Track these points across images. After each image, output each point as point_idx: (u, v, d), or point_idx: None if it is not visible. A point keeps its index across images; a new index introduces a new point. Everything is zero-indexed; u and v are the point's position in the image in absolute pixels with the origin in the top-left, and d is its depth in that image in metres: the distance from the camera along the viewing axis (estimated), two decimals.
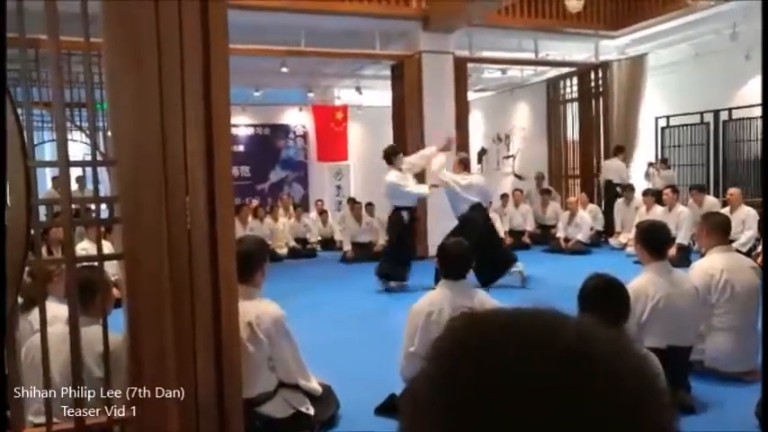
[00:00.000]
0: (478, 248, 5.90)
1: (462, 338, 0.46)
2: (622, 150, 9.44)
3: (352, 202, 10.41)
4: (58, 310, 2.53)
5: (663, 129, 10.14)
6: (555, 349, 0.42)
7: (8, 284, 1.81)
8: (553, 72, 11.11)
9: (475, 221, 6.17)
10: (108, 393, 1.88)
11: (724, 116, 9.06)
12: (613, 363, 0.42)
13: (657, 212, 7.70)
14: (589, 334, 0.44)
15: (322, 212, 10.54)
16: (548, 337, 0.43)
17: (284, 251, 9.38)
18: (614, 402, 0.41)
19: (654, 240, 3.22)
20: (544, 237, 9.60)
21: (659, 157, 9.92)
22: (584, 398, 0.40)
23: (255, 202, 10.57)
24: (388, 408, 3.23)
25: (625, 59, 9.84)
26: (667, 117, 9.98)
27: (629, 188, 9.28)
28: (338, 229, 10.10)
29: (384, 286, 6.49)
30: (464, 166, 6.51)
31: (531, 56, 9.74)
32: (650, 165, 9.51)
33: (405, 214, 6.55)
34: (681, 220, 7.39)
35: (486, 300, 3.12)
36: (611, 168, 9.47)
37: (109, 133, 2.21)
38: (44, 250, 5.23)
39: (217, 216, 1.91)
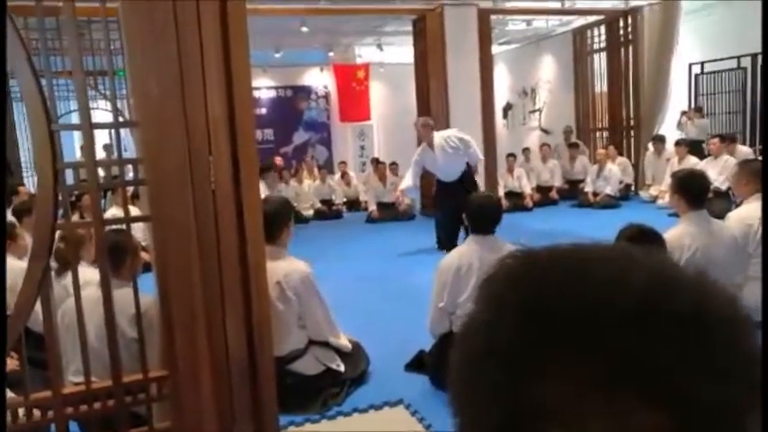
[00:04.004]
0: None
1: (520, 275, 0.42)
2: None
3: (375, 162, 10.35)
4: (89, 275, 2.58)
5: (697, 76, 9.76)
6: (630, 281, 0.38)
7: (40, 247, 1.83)
8: (580, 21, 10.71)
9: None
10: (142, 352, 1.92)
11: (762, 60, 8.66)
12: (707, 288, 0.39)
13: (691, 163, 7.49)
14: (663, 263, 0.40)
15: (344, 174, 10.50)
16: (621, 267, 0.39)
17: (310, 213, 9.42)
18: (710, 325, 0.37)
19: (692, 189, 3.11)
20: (572, 192, 9.44)
21: (692, 105, 9.58)
22: (668, 327, 0.36)
23: (279, 160, 10.56)
24: (417, 364, 3.26)
25: (657, 4, 9.41)
26: (701, 63, 9.58)
27: (659, 139, 9.01)
28: (362, 190, 10.09)
29: None
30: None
31: (557, 5, 9.39)
32: (683, 113, 9.20)
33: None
34: (724, 168, 7.20)
35: None
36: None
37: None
38: (77, 217, 5.33)
39: (241, 175, 1.89)
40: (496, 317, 0.40)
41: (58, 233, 2.00)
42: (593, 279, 0.38)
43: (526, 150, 10.18)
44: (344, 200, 10.08)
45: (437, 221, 6.38)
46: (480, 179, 7.10)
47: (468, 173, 6.09)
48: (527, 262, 0.43)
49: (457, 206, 5.85)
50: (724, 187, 6.96)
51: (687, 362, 0.35)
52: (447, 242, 6.10)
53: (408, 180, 6.20)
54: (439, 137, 6.03)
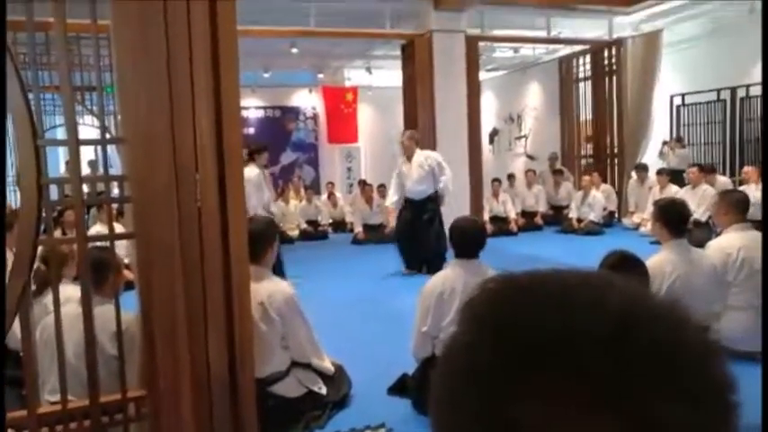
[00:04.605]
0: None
1: (501, 298, 0.43)
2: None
3: (362, 184, 10.39)
4: (70, 291, 2.54)
5: (678, 107, 9.97)
6: (607, 307, 0.39)
7: (21, 262, 1.81)
8: (566, 50, 10.93)
9: None
10: (122, 371, 1.89)
11: (741, 93, 8.87)
12: (674, 314, 0.40)
13: (671, 192, 7.61)
14: (639, 291, 0.41)
15: (330, 195, 10.52)
16: (598, 293, 0.40)
17: (296, 233, 9.39)
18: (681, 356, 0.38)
19: (673, 217, 3.17)
20: (556, 218, 9.54)
21: (674, 135, 9.77)
22: (642, 353, 0.37)
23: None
24: (399, 388, 3.23)
25: (639, 36, 9.64)
26: (682, 95, 9.80)
27: (642, 167, 9.15)
28: (349, 211, 10.10)
29: None
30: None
31: (543, 34, 9.58)
32: (665, 143, 9.37)
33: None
34: (703, 198, 7.31)
35: None
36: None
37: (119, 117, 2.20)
38: (59, 233, 5.26)
39: (227, 194, 1.89)
40: (477, 339, 0.41)
41: (39, 249, 1.98)
42: (573, 304, 0.40)
43: (511, 176, 10.29)
44: (330, 221, 10.08)
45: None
46: (463, 208, 7.13)
47: (435, 200, 6.17)
48: (508, 285, 0.44)
49: (415, 226, 6.04)
50: (704, 218, 7.06)
51: (660, 388, 0.37)
52: (410, 260, 6.21)
53: (393, 195, 6.32)
54: (421, 154, 6.20)
